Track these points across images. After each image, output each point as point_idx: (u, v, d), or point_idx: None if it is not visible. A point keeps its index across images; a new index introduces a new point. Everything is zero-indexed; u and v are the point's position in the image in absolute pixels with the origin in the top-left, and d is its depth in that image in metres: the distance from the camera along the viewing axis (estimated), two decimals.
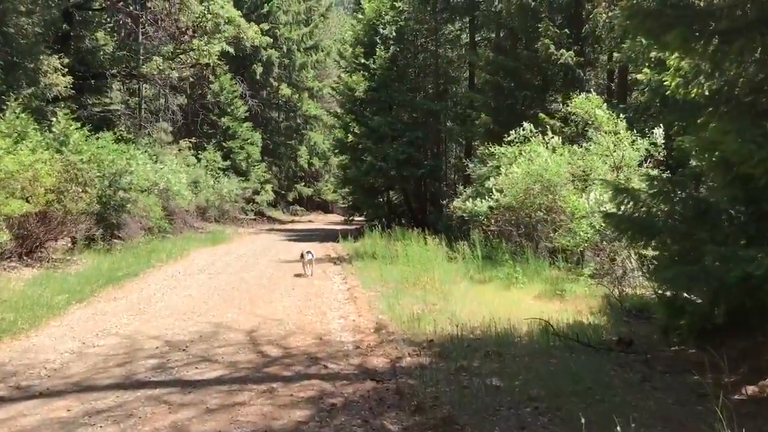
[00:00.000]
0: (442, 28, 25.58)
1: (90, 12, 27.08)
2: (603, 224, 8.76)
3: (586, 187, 10.89)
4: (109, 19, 28.75)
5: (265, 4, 37.04)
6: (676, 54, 5.96)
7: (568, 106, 12.86)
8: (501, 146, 17.01)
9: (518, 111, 20.30)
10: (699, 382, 4.74)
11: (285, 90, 39.06)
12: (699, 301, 5.74)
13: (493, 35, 24.82)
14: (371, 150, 22.98)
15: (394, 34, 23.89)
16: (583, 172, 10.94)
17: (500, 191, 12.52)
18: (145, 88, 30.86)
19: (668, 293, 6.29)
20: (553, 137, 11.66)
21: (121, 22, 28.40)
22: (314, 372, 5.68)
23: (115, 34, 27.80)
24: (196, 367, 5.83)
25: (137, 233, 20.87)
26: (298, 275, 12.47)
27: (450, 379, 5.20)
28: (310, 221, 42.29)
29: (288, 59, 39.52)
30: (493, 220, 12.64)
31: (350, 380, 5.41)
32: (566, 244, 9.74)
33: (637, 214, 6.44)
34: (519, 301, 8.90)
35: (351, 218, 27.66)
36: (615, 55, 17.00)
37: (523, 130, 12.47)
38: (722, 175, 5.96)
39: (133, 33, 28.60)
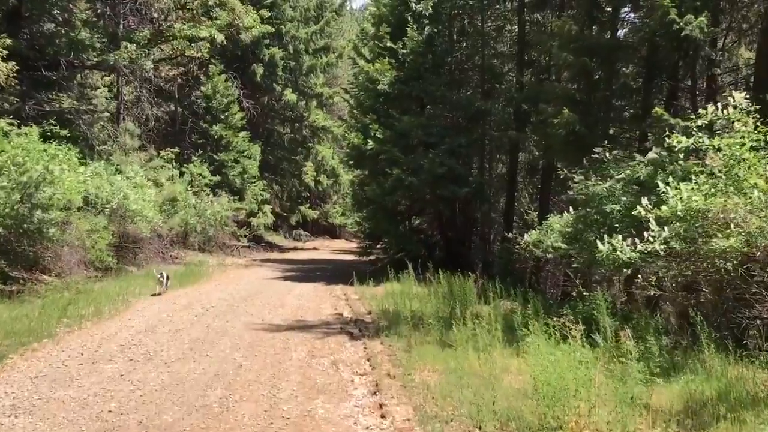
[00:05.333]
0: (487, 8, 19.88)
1: None
2: None
3: None
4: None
5: None
6: None
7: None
8: (585, 157, 11.49)
9: (613, 106, 14.62)
10: None
11: (290, 96, 33.34)
12: None
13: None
14: (398, 161, 17.15)
15: (430, 10, 18.16)
16: None
17: (669, 221, 6.65)
18: (129, 91, 25.46)
19: None
20: None
21: (98, 10, 23.35)
22: None
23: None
24: None
25: (77, 269, 15.21)
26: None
27: None
28: (314, 248, 36.41)
29: (294, 61, 33.86)
30: (653, 275, 6.74)
31: None
32: None
33: None
34: None
35: (369, 250, 21.58)
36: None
37: (730, 108, 6.48)
38: None
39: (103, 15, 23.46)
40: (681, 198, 6.79)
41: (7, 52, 15.30)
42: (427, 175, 16.59)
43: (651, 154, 8.51)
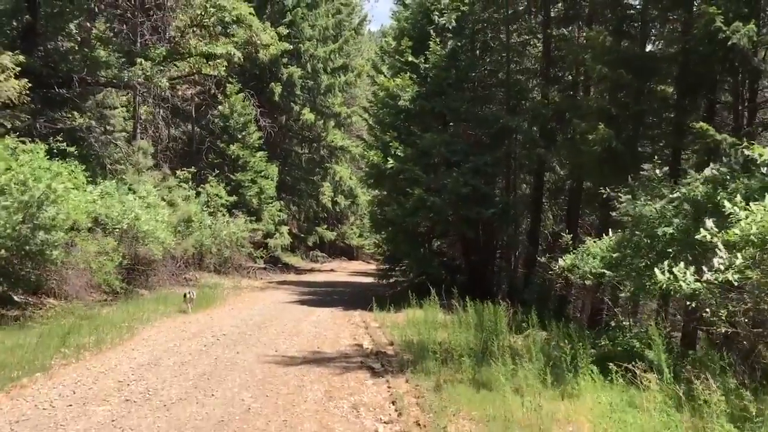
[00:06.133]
0: (512, 22, 19.19)
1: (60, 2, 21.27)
2: None
3: None
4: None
5: (288, 13, 31.23)
6: None
7: None
8: (629, 175, 10.76)
9: (646, 122, 13.75)
10: None
11: (308, 115, 32.82)
12: None
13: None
14: (420, 180, 16.36)
15: (453, 24, 17.48)
16: None
17: (738, 247, 5.76)
18: (146, 111, 25.02)
19: None
20: None
21: (115, 29, 23.22)
22: None
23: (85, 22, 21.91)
24: None
25: (83, 293, 14.55)
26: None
27: None
28: (332, 270, 35.60)
29: (312, 80, 33.41)
30: (723, 312, 5.83)
31: None
32: None
33: None
34: None
35: (388, 273, 20.73)
36: None
37: None
38: None
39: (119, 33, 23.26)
40: (755, 220, 5.90)
41: (20, 69, 14.91)
42: (450, 194, 15.77)
43: (708, 171, 7.62)
